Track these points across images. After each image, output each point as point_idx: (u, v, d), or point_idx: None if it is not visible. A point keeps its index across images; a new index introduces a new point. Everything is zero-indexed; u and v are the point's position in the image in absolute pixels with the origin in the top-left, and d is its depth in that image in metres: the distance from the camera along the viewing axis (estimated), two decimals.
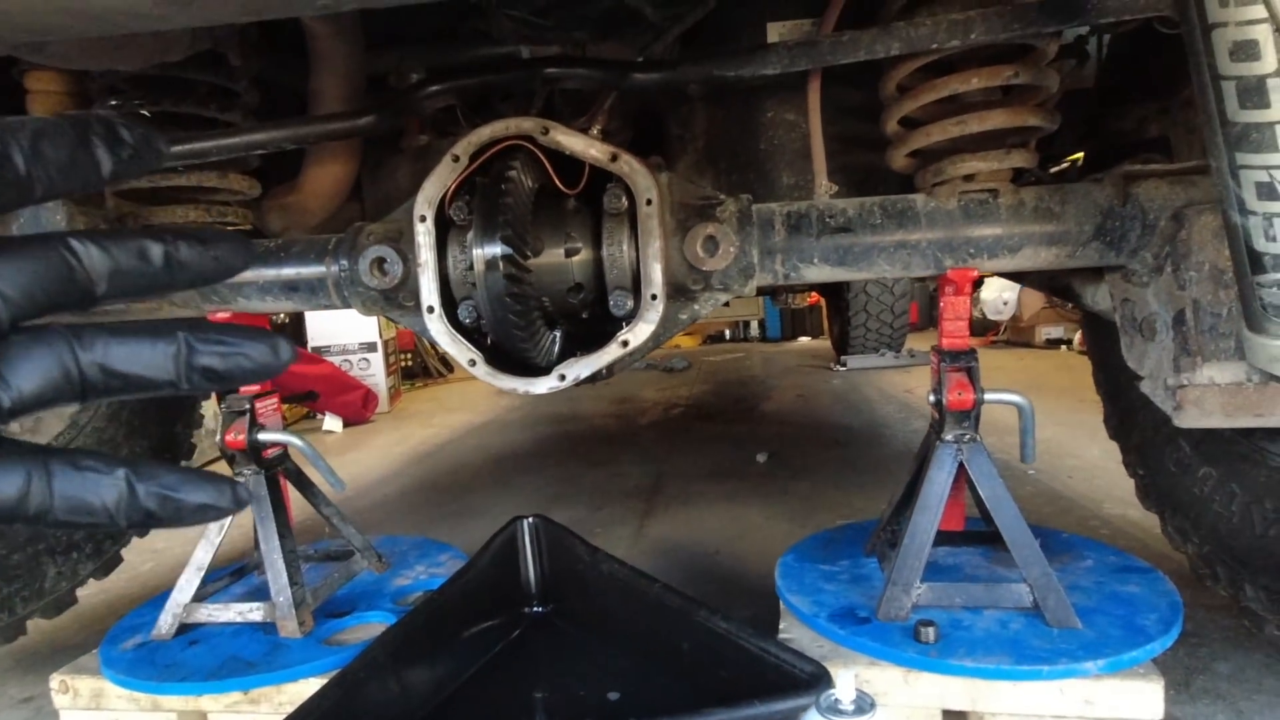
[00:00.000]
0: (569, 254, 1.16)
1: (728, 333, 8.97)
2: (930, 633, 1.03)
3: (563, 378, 1.15)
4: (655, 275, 1.09)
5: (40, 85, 1.18)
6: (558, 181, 1.15)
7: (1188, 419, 0.99)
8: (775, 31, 1.31)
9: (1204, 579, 1.31)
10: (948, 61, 1.09)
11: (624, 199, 1.11)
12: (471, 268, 1.09)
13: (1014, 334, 6.54)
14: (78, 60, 0.77)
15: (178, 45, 0.85)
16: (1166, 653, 1.04)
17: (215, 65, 1.18)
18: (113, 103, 1.16)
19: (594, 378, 1.20)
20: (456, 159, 1.11)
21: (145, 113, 1.22)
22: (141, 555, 2.24)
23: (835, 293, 5.52)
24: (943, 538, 1.23)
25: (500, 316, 1.09)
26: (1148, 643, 1.00)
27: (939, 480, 1.14)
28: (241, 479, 1.28)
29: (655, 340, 1.15)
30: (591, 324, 1.31)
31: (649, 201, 1.09)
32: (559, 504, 2.53)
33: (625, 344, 1.12)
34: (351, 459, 3.59)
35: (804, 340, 8.31)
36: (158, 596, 1.42)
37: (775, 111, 1.37)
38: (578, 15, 1.35)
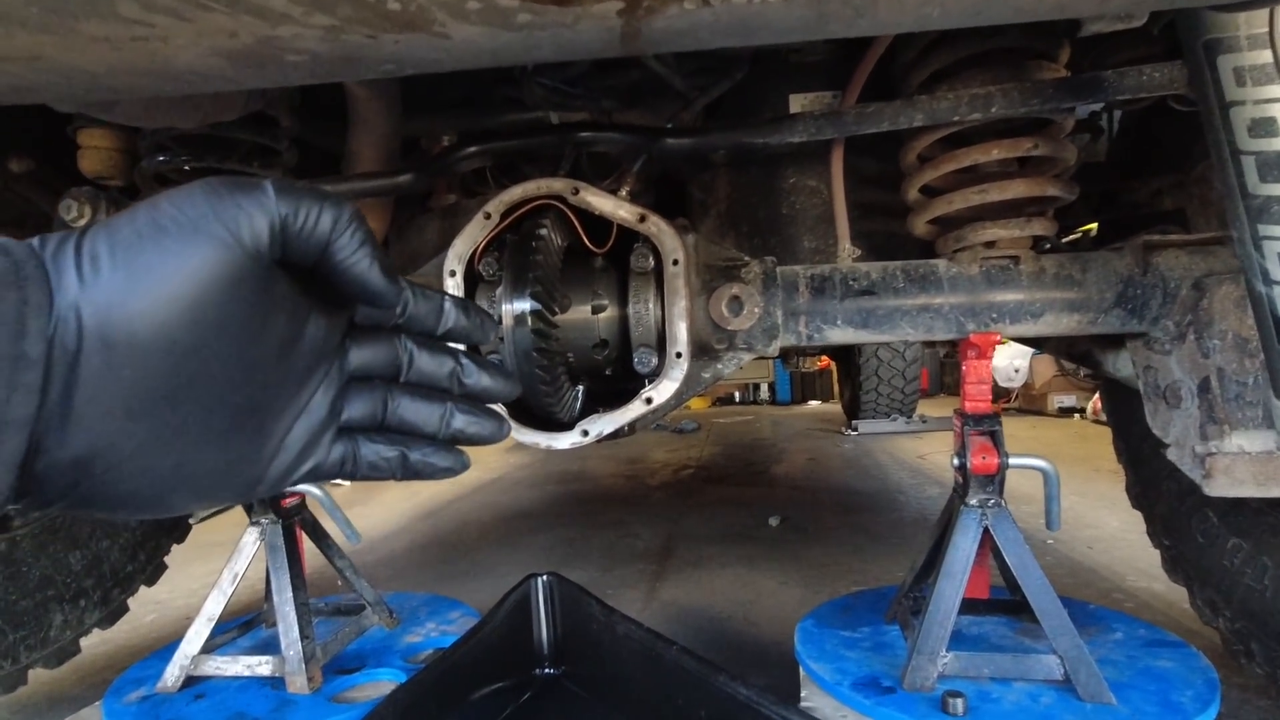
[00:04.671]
0: (595, 311, 1.18)
1: (737, 395, 8.97)
2: (959, 704, 1.00)
3: (586, 433, 1.15)
4: (680, 334, 1.11)
5: (93, 142, 1.23)
6: (586, 240, 1.18)
7: (1218, 487, 0.98)
8: (797, 102, 1.36)
9: (1237, 656, 1.27)
10: (966, 134, 1.13)
11: (650, 259, 1.13)
12: (499, 322, 1.11)
13: (1026, 402, 6.52)
14: (141, 119, 0.81)
15: (234, 105, 0.89)
16: None
17: (261, 125, 1.23)
18: (160, 159, 1.21)
19: (616, 434, 1.20)
20: (488, 216, 1.15)
21: (188, 168, 1.27)
22: (145, 607, 2.21)
23: (846, 357, 5.54)
24: (967, 606, 1.20)
25: (527, 371, 1.11)
26: None
27: (963, 546, 1.13)
28: (258, 528, 1.28)
29: (678, 398, 1.15)
30: (613, 381, 1.32)
31: (675, 261, 1.11)
32: (568, 564, 2.49)
33: (649, 401, 1.13)
34: (359, 513, 3.56)
35: (814, 404, 8.29)
36: (164, 648, 1.39)
37: (797, 178, 1.41)
38: (607, 84, 1.41)
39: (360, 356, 0.46)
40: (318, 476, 0.45)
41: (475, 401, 0.49)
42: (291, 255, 0.39)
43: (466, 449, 0.50)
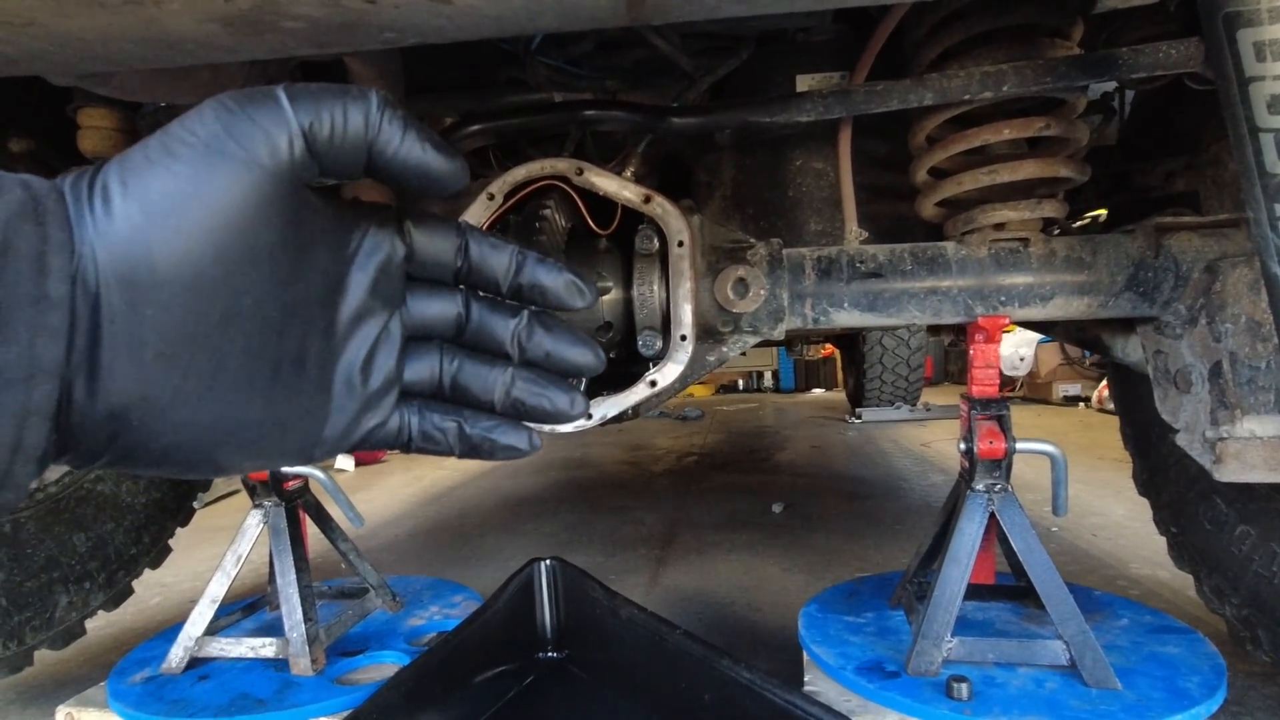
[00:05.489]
0: (600, 293, 1.16)
1: (741, 383, 8.96)
2: (964, 689, 1.00)
3: (589, 416, 1.14)
4: (685, 316, 1.10)
5: (93, 122, 1.22)
6: (590, 222, 1.17)
7: (1228, 473, 0.97)
8: (804, 83, 1.34)
9: (1244, 643, 1.26)
10: (976, 114, 1.11)
11: (655, 240, 1.12)
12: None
13: (1030, 390, 6.49)
14: (138, 93, 0.80)
15: (233, 81, 0.88)
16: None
17: None
18: None
19: (620, 417, 1.20)
20: (492, 197, 1.13)
21: None
22: (150, 590, 2.22)
23: (850, 345, 5.52)
24: (972, 591, 1.20)
25: None
26: (1192, 706, 0.96)
27: (969, 531, 1.12)
28: (261, 511, 1.28)
29: (683, 381, 1.14)
30: (616, 364, 1.31)
31: (681, 243, 1.10)
32: (572, 549, 2.50)
33: (653, 384, 1.12)
34: (362, 498, 3.56)
35: (818, 392, 8.28)
36: (168, 630, 1.40)
37: (803, 160, 1.40)
38: (611, 64, 1.40)
39: (420, 310, 0.41)
40: (377, 441, 0.41)
41: (546, 372, 0.43)
42: (332, 168, 0.36)
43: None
